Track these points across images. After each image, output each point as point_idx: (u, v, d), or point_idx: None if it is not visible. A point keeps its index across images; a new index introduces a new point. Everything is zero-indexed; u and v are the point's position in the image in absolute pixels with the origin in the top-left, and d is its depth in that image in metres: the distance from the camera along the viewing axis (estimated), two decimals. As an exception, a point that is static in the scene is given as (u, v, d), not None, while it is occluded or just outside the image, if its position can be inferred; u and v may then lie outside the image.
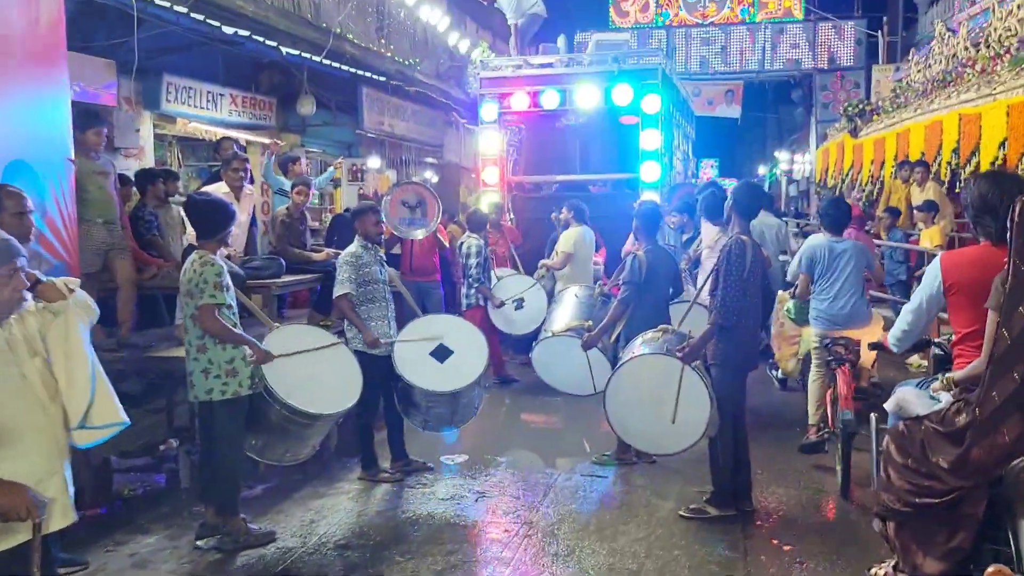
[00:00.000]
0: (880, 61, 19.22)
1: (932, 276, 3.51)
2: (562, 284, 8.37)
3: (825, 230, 6.05)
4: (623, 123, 10.54)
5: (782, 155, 33.84)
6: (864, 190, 14.96)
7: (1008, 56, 10.27)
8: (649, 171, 10.18)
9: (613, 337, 6.05)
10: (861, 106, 15.89)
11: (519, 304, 8.17)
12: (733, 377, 4.99)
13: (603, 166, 11.15)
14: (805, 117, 25.88)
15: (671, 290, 6.03)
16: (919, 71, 14.25)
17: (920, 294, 3.61)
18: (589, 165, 11.27)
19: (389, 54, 12.44)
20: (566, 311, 6.48)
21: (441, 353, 5.58)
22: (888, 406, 3.77)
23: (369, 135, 13.43)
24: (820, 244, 5.92)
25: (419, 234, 8.45)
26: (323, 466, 5.96)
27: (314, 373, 4.84)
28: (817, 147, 23.19)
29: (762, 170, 34.55)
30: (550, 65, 11.01)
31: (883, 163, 13.75)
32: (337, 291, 5.69)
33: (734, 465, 4.96)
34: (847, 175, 15.99)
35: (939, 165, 11.00)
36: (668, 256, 6.12)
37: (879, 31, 19.44)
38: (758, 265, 4.91)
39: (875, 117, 15.69)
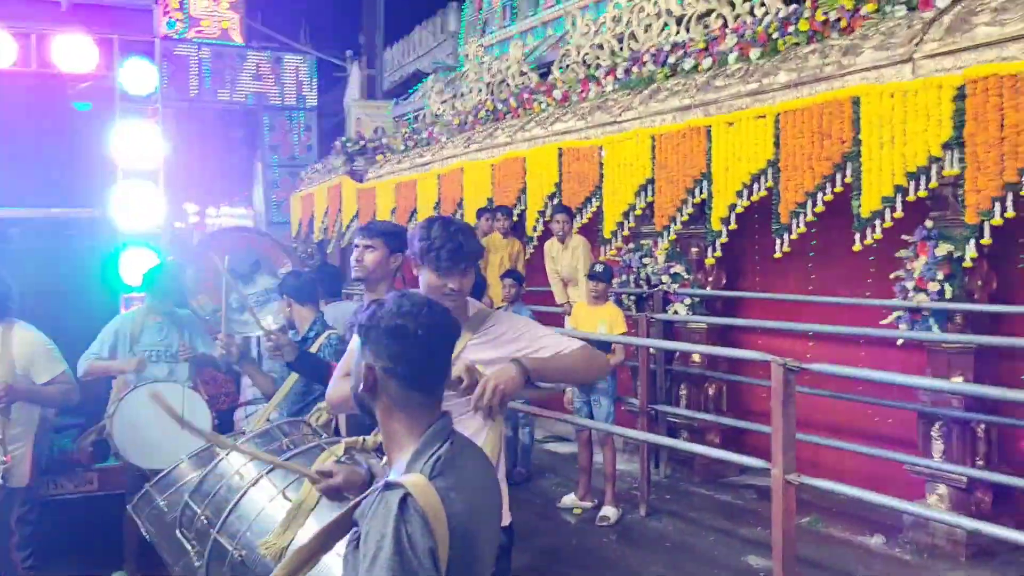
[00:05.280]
0: (359, 96, 16.45)
1: None
2: None
3: None
4: (77, 107, 5.44)
5: (190, 206, 29.53)
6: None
7: (610, 78, 8.09)
8: (131, 206, 5.30)
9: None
10: (363, 143, 12.72)
11: None
12: None
13: (28, 192, 5.76)
14: (250, 159, 22.10)
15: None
16: (444, 102, 11.71)
17: None
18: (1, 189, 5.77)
19: None
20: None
21: None
22: None
23: None
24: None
25: None
26: None
27: None
28: (268, 194, 19.83)
29: (178, 224, 29.24)
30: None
31: (414, 211, 10.75)
32: None
33: None
34: (349, 226, 12.65)
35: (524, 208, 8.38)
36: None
37: (355, 63, 16.70)
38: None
39: (379, 157, 12.72)
